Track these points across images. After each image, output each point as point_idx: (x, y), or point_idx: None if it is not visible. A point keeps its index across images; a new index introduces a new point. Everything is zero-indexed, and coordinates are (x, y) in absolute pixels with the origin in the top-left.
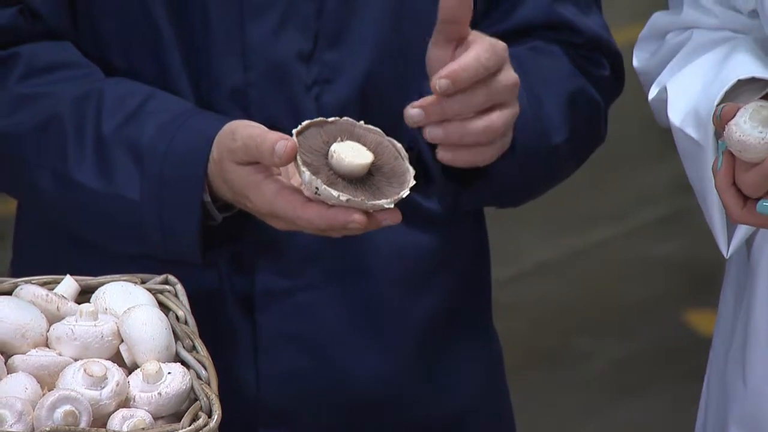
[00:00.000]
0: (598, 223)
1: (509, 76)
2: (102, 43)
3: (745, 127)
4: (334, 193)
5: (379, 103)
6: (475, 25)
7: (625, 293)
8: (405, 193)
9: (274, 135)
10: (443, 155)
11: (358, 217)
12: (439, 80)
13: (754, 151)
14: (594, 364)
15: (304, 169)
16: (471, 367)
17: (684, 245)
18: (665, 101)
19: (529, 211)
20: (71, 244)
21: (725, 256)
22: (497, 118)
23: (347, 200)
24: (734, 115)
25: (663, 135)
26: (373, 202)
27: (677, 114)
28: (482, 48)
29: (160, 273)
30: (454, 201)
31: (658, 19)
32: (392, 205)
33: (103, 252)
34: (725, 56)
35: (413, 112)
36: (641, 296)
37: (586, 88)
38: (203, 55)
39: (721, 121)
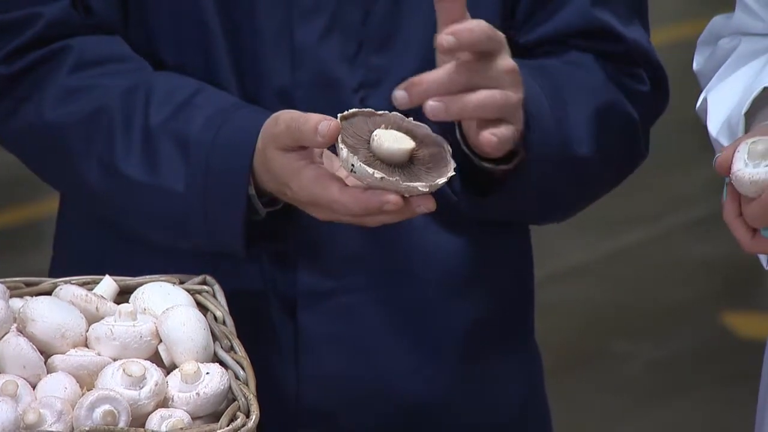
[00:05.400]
0: (634, 225)
1: (507, 62)
2: (151, 38)
3: (739, 164)
4: (369, 170)
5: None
6: (522, 25)
7: (661, 295)
8: (442, 180)
9: (317, 116)
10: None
11: (392, 198)
12: (445, 36)
13: (747, 187)
14: (630, 366)
15: (342, 146)
16: (513, 376)
17: (721, 247)
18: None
19: None
20: (116, 240)
21: (766, 267)
22: (498, 93)
23: (381, 178)
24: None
25: (699, 137)
26: (408, 184)
27: (715, 125)
28: (484, 23)
29: (206, 269)
30: (476, 210)
31: (716, 22)
32: (426, 189)
33: (149, 247)
34: (763, 66)
35: (398, 93)
36: (678, 299)
37: (619, 103)
38: (250, 54)
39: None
